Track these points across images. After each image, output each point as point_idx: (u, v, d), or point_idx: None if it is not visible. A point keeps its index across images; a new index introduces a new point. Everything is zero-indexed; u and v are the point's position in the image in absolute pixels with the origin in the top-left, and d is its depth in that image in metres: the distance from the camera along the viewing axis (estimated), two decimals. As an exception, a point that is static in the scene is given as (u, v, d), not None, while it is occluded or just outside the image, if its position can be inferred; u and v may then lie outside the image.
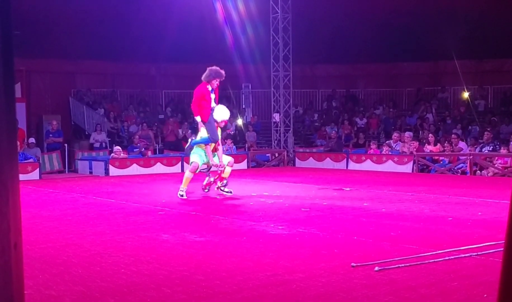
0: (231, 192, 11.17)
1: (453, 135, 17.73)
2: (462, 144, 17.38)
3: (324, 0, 22.67)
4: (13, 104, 1.67)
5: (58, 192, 12.60)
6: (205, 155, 11.01)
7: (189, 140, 11.69)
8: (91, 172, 17.73)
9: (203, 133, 11.00)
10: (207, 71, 10.83)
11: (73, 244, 6.50)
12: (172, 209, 9.37)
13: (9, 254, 1.59)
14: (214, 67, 10.85)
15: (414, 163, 17.15)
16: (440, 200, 10.25)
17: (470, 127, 20.36)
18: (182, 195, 10.85)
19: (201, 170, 11.31)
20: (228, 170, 11.23)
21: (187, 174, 11.07)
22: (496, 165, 15.89)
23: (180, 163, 18.04)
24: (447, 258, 5.50)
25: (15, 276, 1.61)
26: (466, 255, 5.64)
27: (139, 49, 22.83)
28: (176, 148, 20.41)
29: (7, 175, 1.59)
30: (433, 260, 5.40)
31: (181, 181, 11.08)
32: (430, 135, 18.53)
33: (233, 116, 23.68)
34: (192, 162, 11.06)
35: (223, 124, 11.14)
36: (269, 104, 22.53)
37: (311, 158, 20.08)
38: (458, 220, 7.94)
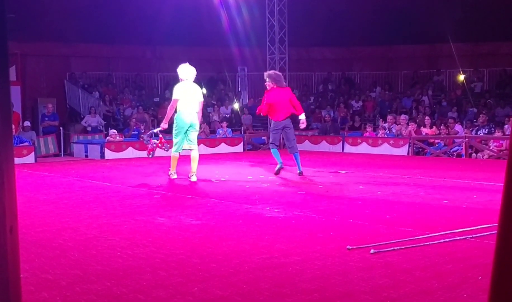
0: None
1: (450, 120, 17.75)
2: (458, 127, 17.40)
3: (320, -17, 22.58)
4: (7, 86, 1.66)
5: (53, 175, 12.58)
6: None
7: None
8: (86, 156, 17.71)
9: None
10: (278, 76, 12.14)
11: (69, 227, 6.50)
12: (168, 193, 9.37)
13: (5, 238, 1.59)
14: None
15: (409, 146, 17.17)
16: (435, 183, 10.28)
17: (469, 111, 20.28)
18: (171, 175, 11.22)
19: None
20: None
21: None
22: (491, 148, 15.93)
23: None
24: (442, 240, 5.53)
25: (10, 261, 1.60)
26: (461, 237, 5.67)
27: (135, 32, 22.71)
28: (172, 131, 20.32)
29: (1, 158, 1.58)
30: (428, 243, 5.42)
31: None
32: (427, 117, 18.53)
33: (229, 99, 23.66)
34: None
35: None
36: (264, 87, 22.39)
37: (307, 141, 20.07)
38: (453, 203, 7.96)
